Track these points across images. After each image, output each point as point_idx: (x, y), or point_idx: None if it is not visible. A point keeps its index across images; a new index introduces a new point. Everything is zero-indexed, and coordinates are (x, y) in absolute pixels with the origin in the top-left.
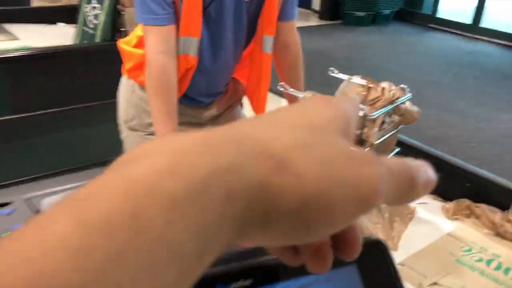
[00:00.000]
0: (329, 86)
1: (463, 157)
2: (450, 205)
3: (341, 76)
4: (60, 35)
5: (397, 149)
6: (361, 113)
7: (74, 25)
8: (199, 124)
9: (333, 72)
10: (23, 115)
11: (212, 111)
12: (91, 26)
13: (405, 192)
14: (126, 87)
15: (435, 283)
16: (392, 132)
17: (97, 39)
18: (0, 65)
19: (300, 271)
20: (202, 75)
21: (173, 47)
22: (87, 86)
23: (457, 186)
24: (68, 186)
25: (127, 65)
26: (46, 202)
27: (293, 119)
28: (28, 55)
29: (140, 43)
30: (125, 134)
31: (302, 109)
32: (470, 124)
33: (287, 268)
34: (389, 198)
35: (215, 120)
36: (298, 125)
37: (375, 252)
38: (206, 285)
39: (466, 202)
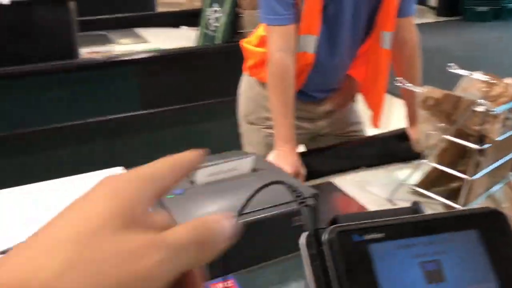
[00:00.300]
0: (446, 83)
1: None
2: None
3: (461, 72)
4: (183, 38)
5: None
6: (482, 109)
7: (196, 28)
8: (312, 119)
9: (452, 68)
10: (152, 110)
11: (326, 107)
12: (212, 28)
13: (200, 255)
14: (246, 83)
15: None
16: None
17: (218, 41)
18: (132, 65)
19: (423, 231)
20: (318, 71)
21: (293, 45)
22: (208, 84)
23: None
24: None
25: (248, 63)
26: (200, 173)
27: (60, 233)
28: (158, 56)
29: (261, 43)
30: (244, 128)
31: (73, 215)
32: None
33: (413, 227)
34: (188, 265)
35: (328, 116)
36: (64, 241)
37: (496, 220)
38: (344, 235)
39: None
